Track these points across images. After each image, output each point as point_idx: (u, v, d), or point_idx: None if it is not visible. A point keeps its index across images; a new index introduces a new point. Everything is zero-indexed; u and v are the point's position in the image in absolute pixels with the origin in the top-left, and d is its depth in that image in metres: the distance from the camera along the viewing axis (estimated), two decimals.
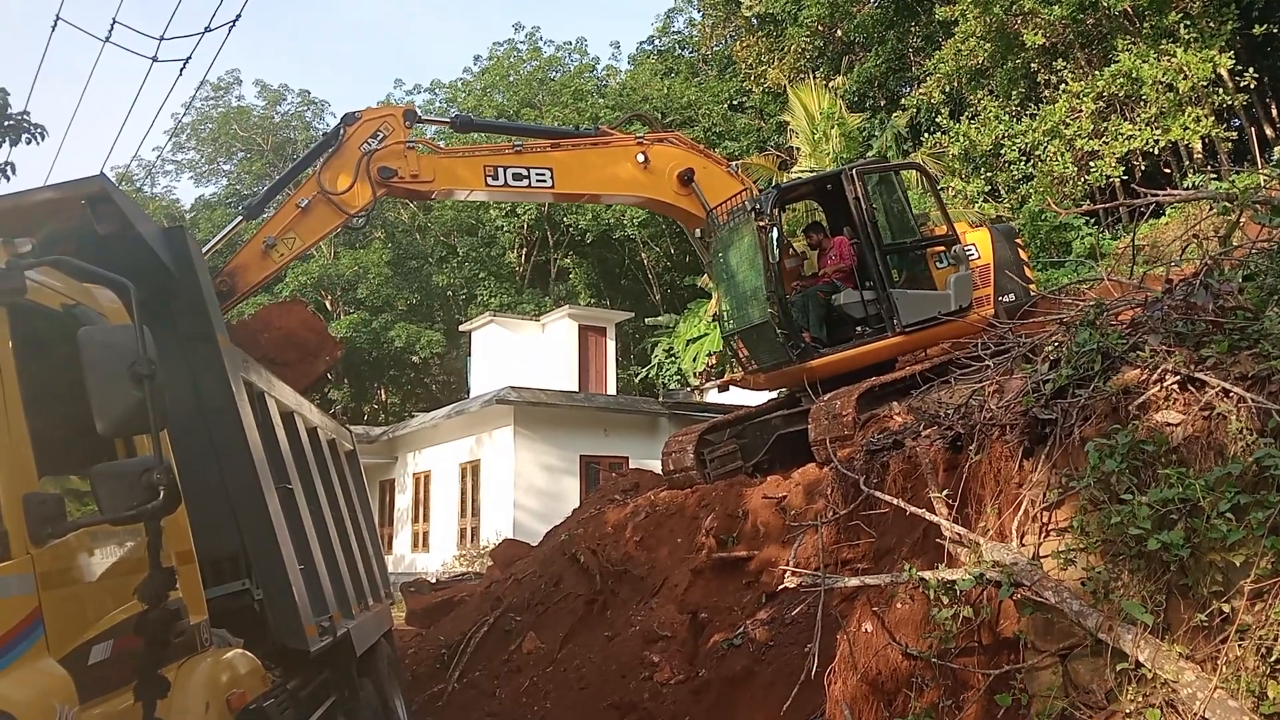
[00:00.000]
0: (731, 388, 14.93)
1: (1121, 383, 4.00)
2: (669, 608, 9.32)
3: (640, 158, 11.69)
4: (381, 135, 10.32)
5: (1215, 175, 20.12)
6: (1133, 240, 5.23)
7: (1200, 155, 23.45)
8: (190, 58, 8.29)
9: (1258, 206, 4.82)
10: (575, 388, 24.38)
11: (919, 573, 4.31)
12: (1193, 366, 3.81)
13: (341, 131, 10.26)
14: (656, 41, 43.30)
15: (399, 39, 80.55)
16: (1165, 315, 4.02)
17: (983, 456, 4.94)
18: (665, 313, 34.86)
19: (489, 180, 10.99)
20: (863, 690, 5.53)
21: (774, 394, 12.37)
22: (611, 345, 26.25)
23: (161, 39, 7.69)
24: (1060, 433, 4.17)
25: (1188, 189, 16.07)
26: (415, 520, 25.79)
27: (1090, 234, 22.45)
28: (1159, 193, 5.36)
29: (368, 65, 77.56)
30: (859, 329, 10.89)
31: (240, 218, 10.80)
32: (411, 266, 36.75)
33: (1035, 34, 22.13)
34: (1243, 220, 4.95)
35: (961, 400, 5.65)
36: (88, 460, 3.49)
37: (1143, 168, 23.00)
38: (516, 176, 11.09)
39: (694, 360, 30.16)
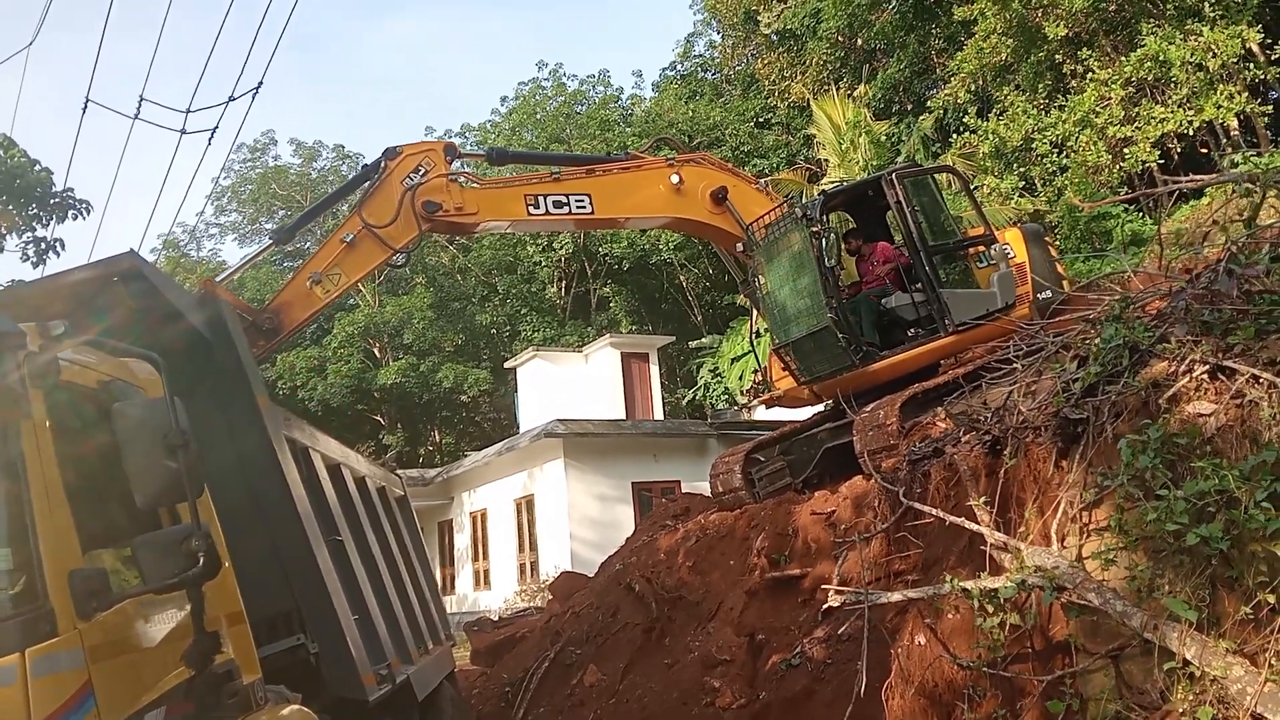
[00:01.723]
0: (775, 405, 14.86)
1: (1150, 376, 3.96)
2: (726, 631, 9.28)
3: (674, 179, 11.76)
4: (423, 170, 10.41)
5: (1256, 151, 19.73)
6: (1158, 229, 5.16)
7: (1237, 132, 23.02)
8: (217, 127, 8.49)
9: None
10: (622, 415, 24.44)
11: (961, 583, 4.27)
12: (1221, 355, 3.75)
13: (383, 165, 10.29)
14: (679, 66, 43.57)
15: (426, 88, 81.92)
16: (1189, 305, 3.96)
17: (1019, 460, 4.89)
18: (708, 333, 34.84)
19: (530, 209, 11.04)
20: (920, 704, 5.48)
21: (816, 409, 12.29)
22: (655, 370, 26.29)
23: (188, 112, 7.92)
24: (1093, 431, 4.12)
25: (1229, 167, 15.79)
26: (475, 559, 25.95)
27: (1131, 221, 22.09)
28: (1181, 179, 5.28)
29: (398, 116, 78.88)
30: (911, 331, 10.84)
31: (270, 241, 10.93)
32: (455, 308, 37.16)
33: (1057, 25, 21.92)
34: (1267, 200, 4.87)
35: (998, 403, 5.61)
36: (132, 532, 3.59)
37: (1179, 150, 22.63)
38: (557, 204, 11.16)
39: (739, 379, 30.08)
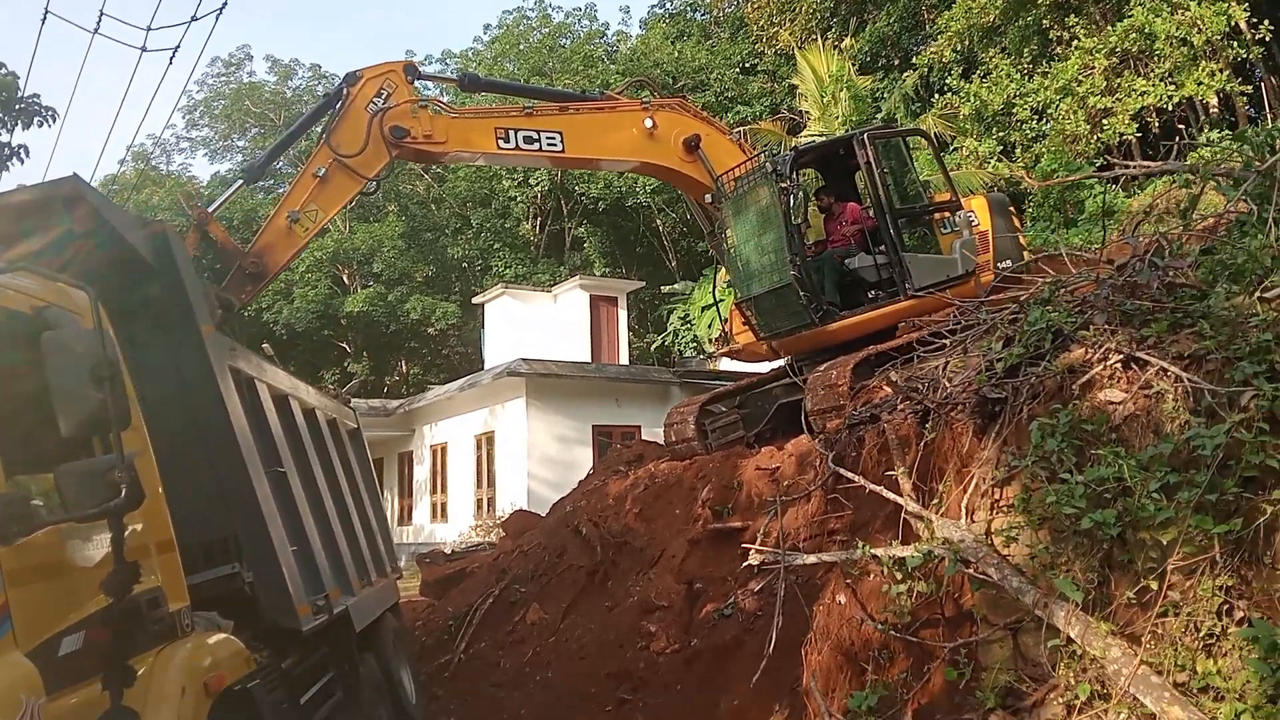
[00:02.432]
0: (733, 358, 14.96)
1: (1067, 362, 4.06)
2: (666, 578, 9.46)
3: (648, 123, 11.66)
4: (386, 94, 10.27)
5: (1231, 130, 19.81)
6: (1103, 212, 5.23)
7: (1216, 110, 23.10)
8: (179, 46, 8.35)
9: (1219, 179, 4.82)
10: (588, 358, 24.52)
11: (871, 550, 4.40)
12: (1134, 345, 3.85)
13: (345, 92, 10.16)
14: (668, 4, 42.96)
15: (409, 8, 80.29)
16: (1111, 294, 4.05)
17: (942, 433, 5.02)
18: (681, 279, 34.82)
19: (500, 143, 10.91)
20: (836, 660, 5.65)
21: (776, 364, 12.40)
22: (623, 315, 26.34)
23: (148, 29, 7.77)
24: (1010, 411, 4.23)
25: (1203, 144, 15.87)
26: (434, 491, 26.12)
27: (1104, 192, 22.20)
28: (1131, 164, 5.34)
29: (379, 37, 77.31)
30: (871, 293, 10.92)
31: (240, 181, 10.82)
32: (426, 239, 36.88)
33: None
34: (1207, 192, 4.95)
35: (932, 376, 5.72)
36: (60, 459, 3.63)
37: (1157, 125, 22.70)
38: (527, 140, 11.04)
39: (709, 327, 30.17)
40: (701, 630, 8.40)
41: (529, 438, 21.67)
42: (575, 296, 25.58)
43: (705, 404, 11.80)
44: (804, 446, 9.51)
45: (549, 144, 11.17)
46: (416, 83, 10.71)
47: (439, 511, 25.79)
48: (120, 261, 5.38)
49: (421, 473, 26.79)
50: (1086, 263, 5.09)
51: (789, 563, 5.10)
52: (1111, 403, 3.87)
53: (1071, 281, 4.72)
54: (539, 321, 25.35)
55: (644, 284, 30.68)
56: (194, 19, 7.80)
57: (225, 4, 7.78)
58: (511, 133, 10.99)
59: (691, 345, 31.94)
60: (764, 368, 13.30)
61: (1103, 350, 3.95)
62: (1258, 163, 4.27)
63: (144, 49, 8.11)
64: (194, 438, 5.79)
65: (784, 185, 10.56)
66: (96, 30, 7.94)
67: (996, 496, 4.27)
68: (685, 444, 11.37)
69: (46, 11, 7.99)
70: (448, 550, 17.38)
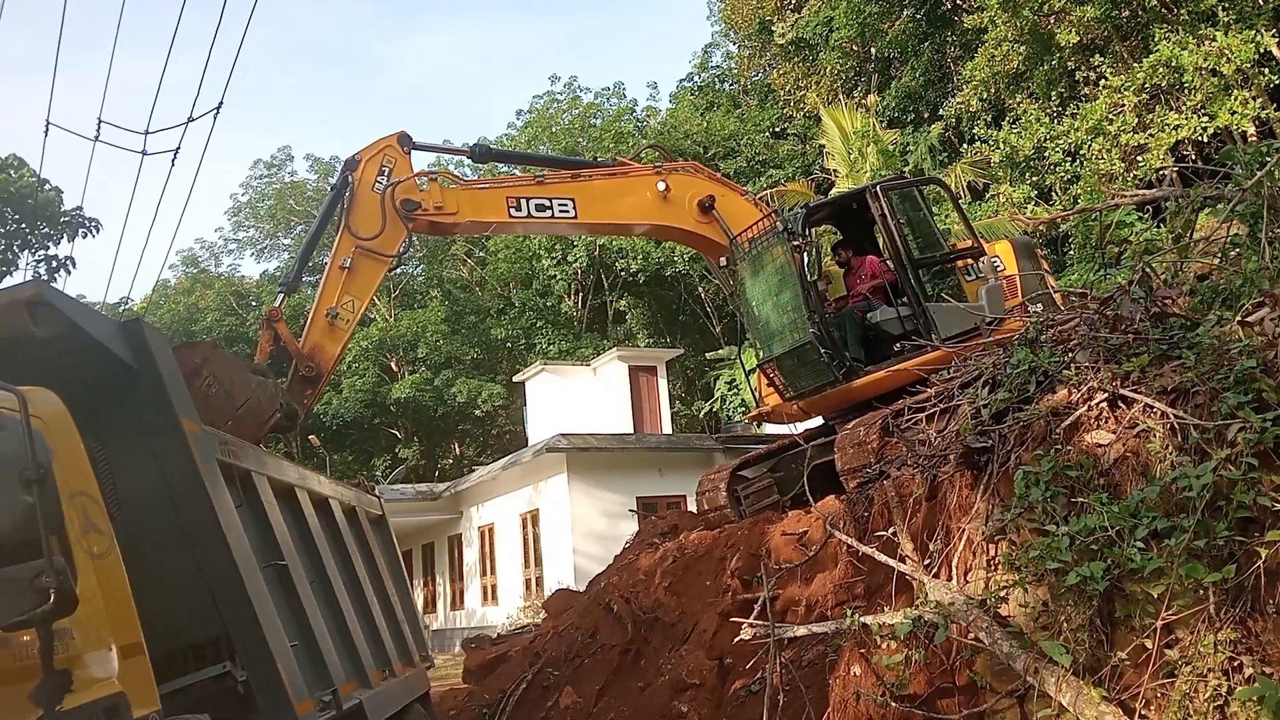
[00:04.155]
0: (764, 421, 14.67)
1: (1051, 404, 3.79)
2: (698, 654, 9.13)
3: (660, 186, 11.65)
4: (387, 169, 10.39)
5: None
6: (1102, 245, 4.97)
7: (1255, 138, 22.56)
8: (179, 148, 8.49)
9: (1215, 205, 4.55)
10: (630, 429, 24.31)
11: (861, 618, 4.11)
12: (1119, 382, 3.58)
13: (349, 179, 10.31)
14: (696, 78, 43.48)
15: (448, 101, 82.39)
16: (1092, 329, 3.79)
17: (944, 488, 4.74)
18: (726, 345, 34.62)
19: (512, 211, 10.95)
20: None
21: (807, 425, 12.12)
22: (664, 384, 26.16)
23: (146, 133, 7.91)
24: (997, 460, 3.96)
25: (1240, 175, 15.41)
26: (483, 574, 25.89)
27: (1146, 229, 21.69)
28: (1127, 193, 5.09)
29: (417, 131, 79.13)
30: (897, 346, 10.65)
31: (282, 293, 10.95)
32: (470, 322, 37.23)
33: (1069, 32, 21.62)
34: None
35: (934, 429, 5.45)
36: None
37: (1194, 157, 22.20)
38: (540, 207, 11.07)
39: (754, 392, 29.81)
40: (731, 707, 8.05)
41: (572, 513, 21.43)
42: (614, 368, 25.48)
43: (736, 469, 11.55)
44: (831, 508, 9.19)
45: (561, 211, 11.18)
46: (422, 154, 10.82)
47: (489, 594, 25.53)
48: (97, 363, 5.35)
49: (471, 555, 26.61)
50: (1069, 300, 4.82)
51: (778, 635, 4.81)
52: (1100, 445, 3.59)
53: (1060, 320, 4.45)
54: (579, 396, 25.25)
55: (683, 352, 30.55)
56: (191, 119, 7.91)
57: (221, 104, 7.90)
58: (523, 201, 11.03)
59: (740, 410, 31.62)
60: (804, 428, 13.01)
61: (1086, 390, 3.67)
62: (1245, 180, 4.01)
63: (144, 153, 8.26)
64: (180, 536, 5.70)
65: (796, 243, 10.41)
66: (97, 137, 8.10)
67: (992, 553, 3.97)
68: (718, 511, 11.10)
69: (48, 124, 8.18)
70: (495, 634, 17.09)
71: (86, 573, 3.98)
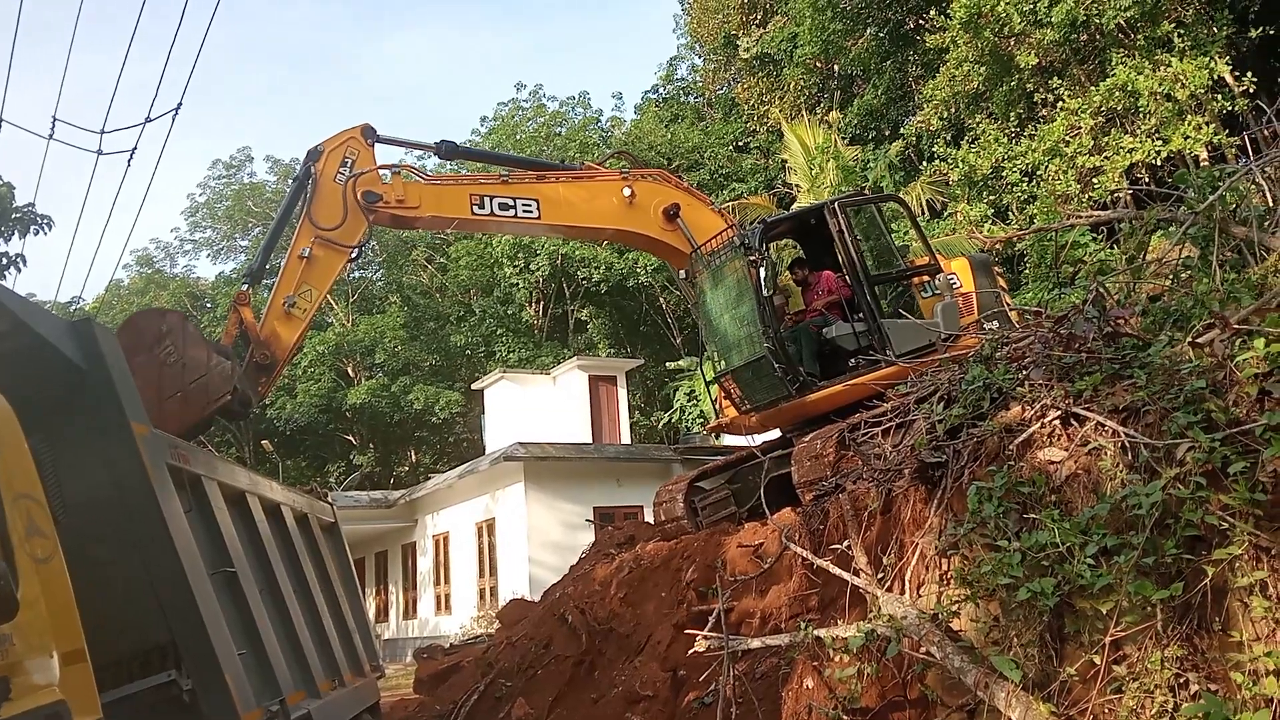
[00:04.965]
0: (722, 432, 14.70)
1: (1004, 421, 3.82)
2: (652, 665, 9.10)
3: (626, 192, 11.64)
4: (350, 161, 10.32)
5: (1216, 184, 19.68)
6: (1056, 264, 5.04)
7: (1207, 162, 23.01)
8: (135, 148, 8.35)
9: (1167, 228, 4.63)
10: (589, 439, 24.25)
11: (815, 631, 4.12)
12: (1071, 400, 3.62)
13: (311, 170, 10.23)
14: (661, 90, 43.61)
15: (409, 107, 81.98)
16: (1048, 348, 3.84)
17: (899, 502, 4.77)
18: (686, 356, 34.66)
19: (475, 209, 10.91)
20: None
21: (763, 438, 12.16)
22: (623, 394, 26.13)
23: (102, 132, 7.78)
24: (951, 475, 3.99)
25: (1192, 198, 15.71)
26: (437, 583, 25.67)
27: (1100, 250, 22.06)
28: (1083, 214, 5.17)
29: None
30: (852, 361, 10.71)
31: (243, 286, 10.82)
32: (430, 328, 36.98)
33: (1028, 55, 21.97)
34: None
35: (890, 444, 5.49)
36: None
37: (1147, 181, 22.61)
38: (503, 206, 11.03)
39: (713, 402, 29.86)
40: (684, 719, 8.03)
41: (529, 522, 21.32)
42: (574, 378, 25.42)
43: (694, 480, 11.56)
44: (787, 520, 9.22)
45: (525, 211, 11.15)
46: (387, 148, 10.75)
47: (443, 603, 25.31)
48: (45, 362, 5.25)
49: (425, 564, 26.38)
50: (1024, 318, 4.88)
51: (733, 648, 4.81)
52: (1052, 462, 3.63)
53: (1014, 338, 4.50)
54: (538, 405, 25.15)
55: (643, 362, 30.53)
56: (149, 119, 7.79)
57: (180, 105, 7.79)
58: (487, 199, 11.00)
59: (699, 421, 31.66)
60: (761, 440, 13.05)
61: (1040, 407, 3.72)
62: (1198, 204, 4.08)
63: (100, 152, 8.11)
64: (128, 541, 5.60)
65: (752, 258, 10.45)
66: (51, 135, 7.95)
67: (944, 568, 3.99)
68: (675, 522, 11.10)
69: (1, 120, 8.02)
70: (448, 643, 16.95)
71: (29, 577, 3.90)
